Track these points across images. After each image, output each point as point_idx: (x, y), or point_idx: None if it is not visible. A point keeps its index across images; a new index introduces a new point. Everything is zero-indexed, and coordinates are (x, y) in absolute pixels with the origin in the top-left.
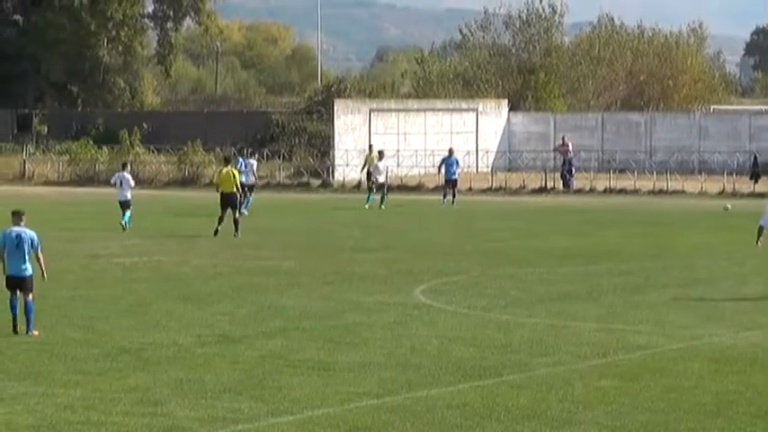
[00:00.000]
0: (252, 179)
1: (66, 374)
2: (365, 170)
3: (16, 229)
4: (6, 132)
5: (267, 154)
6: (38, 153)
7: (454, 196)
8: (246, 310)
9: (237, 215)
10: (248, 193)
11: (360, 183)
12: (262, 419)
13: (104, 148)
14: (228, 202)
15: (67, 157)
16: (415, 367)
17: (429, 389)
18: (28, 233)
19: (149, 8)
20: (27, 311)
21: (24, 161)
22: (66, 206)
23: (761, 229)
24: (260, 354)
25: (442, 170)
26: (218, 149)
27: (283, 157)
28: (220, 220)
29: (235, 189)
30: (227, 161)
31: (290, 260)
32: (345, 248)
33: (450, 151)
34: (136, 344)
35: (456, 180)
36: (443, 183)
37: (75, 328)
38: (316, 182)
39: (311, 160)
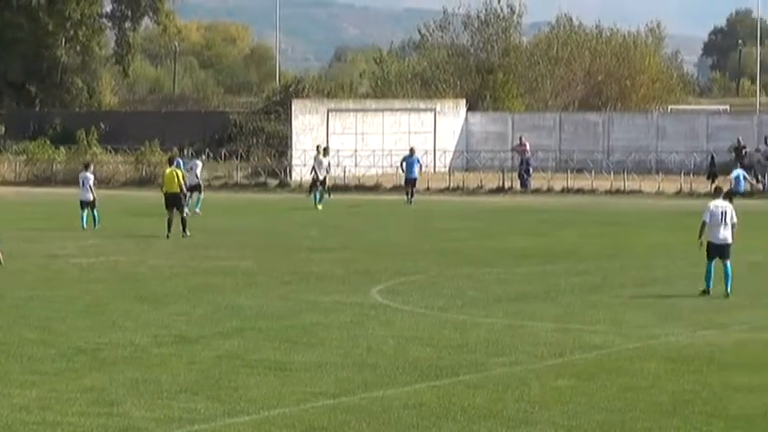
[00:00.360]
0: (195, 180)
1: (22, 375)
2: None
3: None
4: None
5: (225, 154)
6: None
7: (412, 195)
8: (203, 311)
9: (184, 215)
10: (193, 194)
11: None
12: (218, 419)
13: (62, 148)
14: (172, 202)
15: (25, 157)
16: (371, 367)
17: (385, 389)
18: None
19: (107, 8)
20: None
21: None
22: (24, 206)
23: (703, 225)
24: (216, 354)
25: (403, 168)
26: (174, 149)
27: (241, 157)
28: (169, 222)
29: (179, 189)
30: (171, 162)
31: (247, 260)
32: (303, 248)
33: (412, 151)
34: (92, 344)
35: (415, 180)
36: (404, 182)
37: (31, 328)
38: (273, 182)
39: (269, 160)
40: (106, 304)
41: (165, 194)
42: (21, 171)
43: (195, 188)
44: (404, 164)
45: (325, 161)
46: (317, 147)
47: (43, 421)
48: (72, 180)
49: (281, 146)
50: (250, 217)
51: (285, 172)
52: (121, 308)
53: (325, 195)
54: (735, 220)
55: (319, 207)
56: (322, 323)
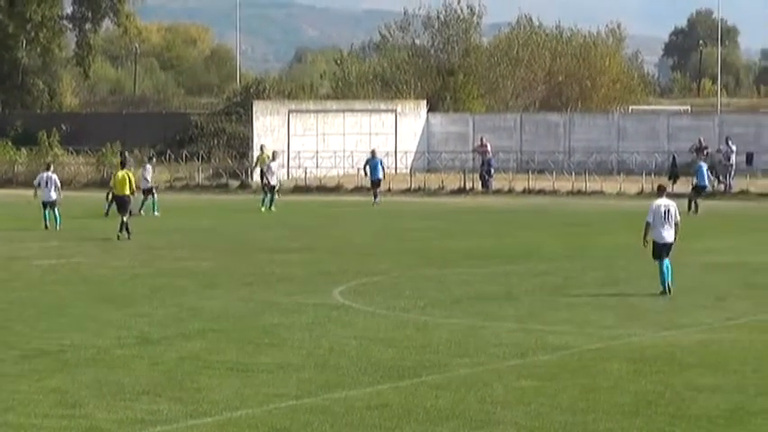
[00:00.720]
0: (147, 184)
1: None
2: (258, 170)
3: None
4: None
5: (186, 155)
6: None
7: (376, 196)
8: (165, 312)
9: (126, 218)
10: (147, 198)
11: (279, 184)
12: (181, 421)
13: (23, 149)
14: (121, 204)
15: None
16: (333, 368)
17: (348, 390)
18: None
19: (68, 9)
20: None
21: None
22: None
23: (647, 225)
24: (179, 355)
25: (368, 171)
26: (135, 150)
27: (202, 158)
28: (121, 224)
29: (130, 192)
30: (123, 164)
31: (208, 261)
32: (264, 249)
33: (373, 153)
34: (54, 346)
35: (380, 180)
36: (371, 184)
37: None
38: (234, 183)
39: (230, 162)
40: (68, 306)
41: (115, 197)
42: None
43: (148, 192)
44: (367, 167)
45: (274, 166)
46: (267, 150)
47: (5, 423)
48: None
49: (242, 147)
50: (211, 218)
51: (246, 173)
52: (83, 309)
53: (276, 197)
54: (678, 218)
55: (273, 209)
56: (284, 324)
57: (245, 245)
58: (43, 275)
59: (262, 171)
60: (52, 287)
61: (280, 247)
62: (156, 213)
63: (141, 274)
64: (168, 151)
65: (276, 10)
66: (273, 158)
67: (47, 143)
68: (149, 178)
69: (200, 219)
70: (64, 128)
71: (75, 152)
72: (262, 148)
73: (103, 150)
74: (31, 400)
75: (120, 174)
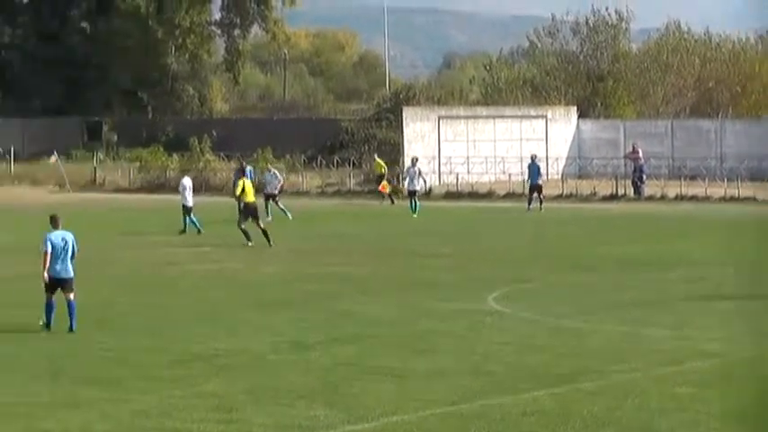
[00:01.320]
0: (274, 189)
1: (139, 381)
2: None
3: (59, 232)
4: (77, 140)
5: (337, 161)
6: (108, 160)
7: (541, 202)
8: (318, 317)
9: (261, 224)
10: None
11: (430, 190)
12: (338, 427)
13: (174, 155)
14: (253, 211)
15: (138, 164)
16: (488, 374)
17: (503, 396)
18: (70, 236)
19: (216, 15)
20: (72, 310)
21: (95, 168)
22: (137, 213)
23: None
24: (333, 360)
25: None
26: (287, 156)
27: (353, 164)
28: (263, 232)
29: (254, 199)
30: (243, 171)
31: (361, 267)
32: (417, 255)
33: (533, 157)
34: (209, 350)
35: (538, 186)
36: (528, 189)
37: (145, 335)
38: None
39: None
40: (222, 311)
41: (247, 205)
42: (135, 178)
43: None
44: (528, 170)
45: (413, 171)
46: (413, 159)
47: (163, 427)
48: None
49: (392, 153)
50: (362, 224)
51: (397, 179)
52: (237, 314)
53: (417, 203)
54: None
55: (415, 215)
56: (438, 330)
57: (396, 250)
58: (197, 281)
59: (410, 180)
60: (206, 293)
61: (432, 253)
62: (269, 219)
63: (293, 280)
64: (319, 157)
65: (421, 16)
66: (413, 164)
67: (198, 149)
68: (279, 183)
69: (351, 224)
70: (214, 133)
71: (227, 158)
72: (413, 160)
73: (254, 156)
74: (186, 405)
75: (247, 182)
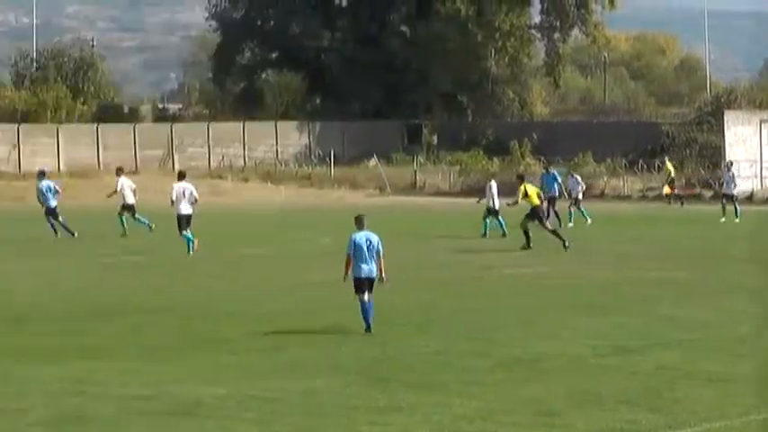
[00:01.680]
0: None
1: (460, 385)
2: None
3: (363, 233)
4: (397, 143)
5: (658, 165)
6: (428, 163)
7: None
8: (639, 321)
9: (547, 226)
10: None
11: (752, 194)
12: (660, 431)
13: (495, 159)
14: (536, 215)
15: (458, 167)
16: None
17: None
18: (375, 237)
19: (536, 19)
20: (370, 310)
21: (415, 171)
22: (455, 216)
23: None
24: (656, 365)
25: None
26: (608, 160)
27: (675, 168)
28: (554, 233)
29: (539, 203)
30: (521, 178)
31: (681, 271)
32: (737, 260)
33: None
34: (529, 354)
35: None
36: None
37: (468, 338)
38: (707, 193)
39: (702, 171)
40: (541, 314)
41: (532, 209)
42: (455, 182)
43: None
44: None
45: (729, 176)
46: (727, 163)
47: (484, 431)
48: (506, 191)
49: (713, 157)
50: (684, 228)
51: (718, 183)
52: (556, 318)
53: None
54: None
55: (737, 220)
56: (760, 335)
57: (716, 255)
58: (513, 284)
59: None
60: (522, 296)
61: (752, 258)
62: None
63: (613, 283)
64: (640, 161)
65: (742, 20)
66: (729, 169)
67: (518, 153)
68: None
69: (673, 228)
70: (535, 137)
71: (547, 161)
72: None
73: (575, 160)
74: (507, 409)
75: (528, 186)
